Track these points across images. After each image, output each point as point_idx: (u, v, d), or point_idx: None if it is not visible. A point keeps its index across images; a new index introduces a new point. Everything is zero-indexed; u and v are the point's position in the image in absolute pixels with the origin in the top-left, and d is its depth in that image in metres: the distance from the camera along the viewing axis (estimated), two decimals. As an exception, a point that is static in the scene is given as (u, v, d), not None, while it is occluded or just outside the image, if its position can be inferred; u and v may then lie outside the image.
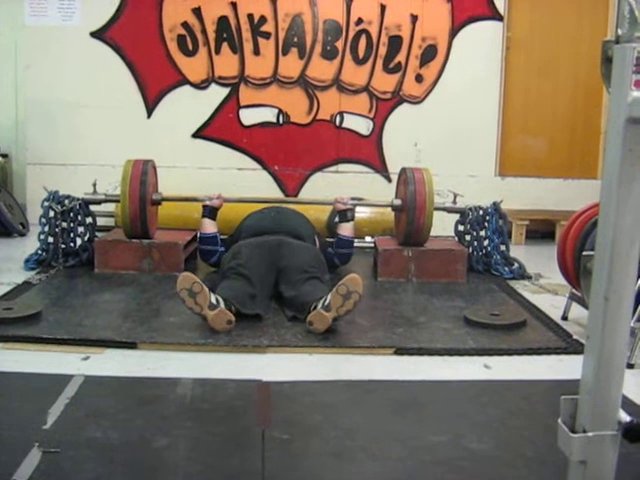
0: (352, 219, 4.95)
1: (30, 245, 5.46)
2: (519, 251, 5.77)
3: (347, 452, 2.38)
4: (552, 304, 4.36)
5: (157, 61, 6.70)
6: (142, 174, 4.90)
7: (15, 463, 2.16)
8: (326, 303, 3.52)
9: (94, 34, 6.67)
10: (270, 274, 4.05)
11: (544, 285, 4.94)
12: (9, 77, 7.10)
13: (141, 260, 4.87)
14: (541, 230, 6.85)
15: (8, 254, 5.53)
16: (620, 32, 1.39)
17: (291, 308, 3.86)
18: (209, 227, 4.81)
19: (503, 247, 5.28)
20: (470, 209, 5.28)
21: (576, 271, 3.70)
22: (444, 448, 2.42)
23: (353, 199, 5.19)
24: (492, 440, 2.49)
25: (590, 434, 1.46)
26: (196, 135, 6.83)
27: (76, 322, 3.71)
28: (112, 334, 3.51)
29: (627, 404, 1.54)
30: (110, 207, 5.94)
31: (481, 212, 5.28)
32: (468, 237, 5.33)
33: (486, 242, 5.28)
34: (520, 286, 4.88)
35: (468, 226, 5.31)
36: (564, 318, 4.06)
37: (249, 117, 6.84)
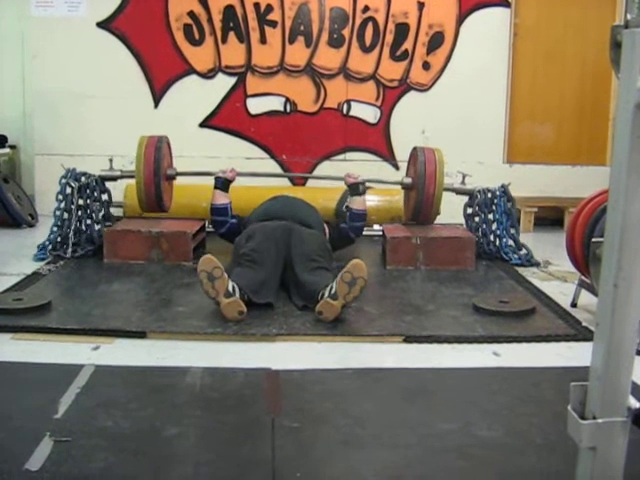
0: (364, 192, 4.97)
1: (39, 236, 5.47)
2: (528, 238, 5.76)
3: (357, 440, 2.39)
4: (561, 291, 4.36)
5: (164, 51, 6.69)
6: (156, 150, 4.97)
7: (27, 452, 2.18)
8: (332, 292, 3.52)
9: (100, 24, 6.66)
10: (280, 259, 4.04)
11: (553, 272, 4.93)
12: (16, 68, 7.11)
13: (150, 250, 4.88)
14: (550, 217, 6.83)
15: (17, 245, 5.55)
16: (629, 17, 1.38)
17: (300, 297, 3.87)
18: (220, 198, 4.87)
19: (513, 230, 5.30)
20: (478, 191, 5.33)
21: (585, 258, 3.69)
22: (453, 435, 2.42)
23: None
24: (501, 427, 2.49)
25: (600, 421, 1.46)
26: (203, 124, 6.83)
27: (86, 312, 3.73)
28: (122, 324, 3.53)
29: (637, 390, 1.54)
30: (119, 197, 5.96)
31: (489, 194, 5.31)
32: (477, 219, 5.36)
33: (494, 225, 5.30)
34: (529, 273, 4.88)
35: (476, 208, 5.33)
36: (573, 305, 4.05)
37: (256, 106, 6.82)
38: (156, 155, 4.95)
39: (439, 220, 5.81)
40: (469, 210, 5.41)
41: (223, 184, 4.92)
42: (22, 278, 4.41)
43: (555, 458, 2.25)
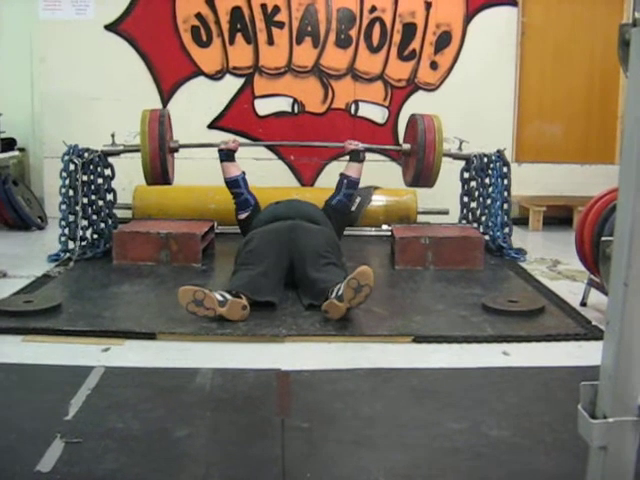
0: (363, 159, 5.10)
1: (49, 238, 5.50)
2: (537, 237, 5.75)
3: (367, 440, 2.39)
4: (570, 290, 4.34)
5: (171, 53, 6.70)
6: (160, 124, 5.02)
7: (38, 454, 2.19)
8: (339, 293, 3.52)
9: (108, 27, 6.68)
10: (284, 258, 4.03)
11: (562, 271, 4.91)
12: (24, 71, 7.12)
13: (159, 251, 4.88)
14: (559, 216, 6.81)
15: (27, 247, 5.57)
16: (637, 15, 1.38)
17: (308, 295, 3.87)
18: (229, 171, 4.98)
19: (506, 194, 5.41)
20: (475, 156, 5.51)
21: (594, 257, 3.68)
22: (463, 435, 2.42)
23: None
24: (511, 427, 2.49)
25: (610, 420, 1.46)
26: (212, 126, 6.83)
27: (96, 314, 3.74)
28: (131, 325, 3.54)
29: (647, 389, 1.53)
30: (128, 198, 5.98)
31: (485, 159, 5.47)
32: (473, 183, 5.55)
33: (491, 189, 5.42)
34: (538, 272, 4.86)
35: (473, 172, 5.53)
36: (583, 304, 4.04)
37: (264, 107, 6.83)
38: (160, 130, 4.99)
39: (447, 220, 5.83)
40: (466, 175, 5.61)
41: (227, 155, 5.01)
42: (32, 280, 4.42)
43: (565, 457, 2.24)
